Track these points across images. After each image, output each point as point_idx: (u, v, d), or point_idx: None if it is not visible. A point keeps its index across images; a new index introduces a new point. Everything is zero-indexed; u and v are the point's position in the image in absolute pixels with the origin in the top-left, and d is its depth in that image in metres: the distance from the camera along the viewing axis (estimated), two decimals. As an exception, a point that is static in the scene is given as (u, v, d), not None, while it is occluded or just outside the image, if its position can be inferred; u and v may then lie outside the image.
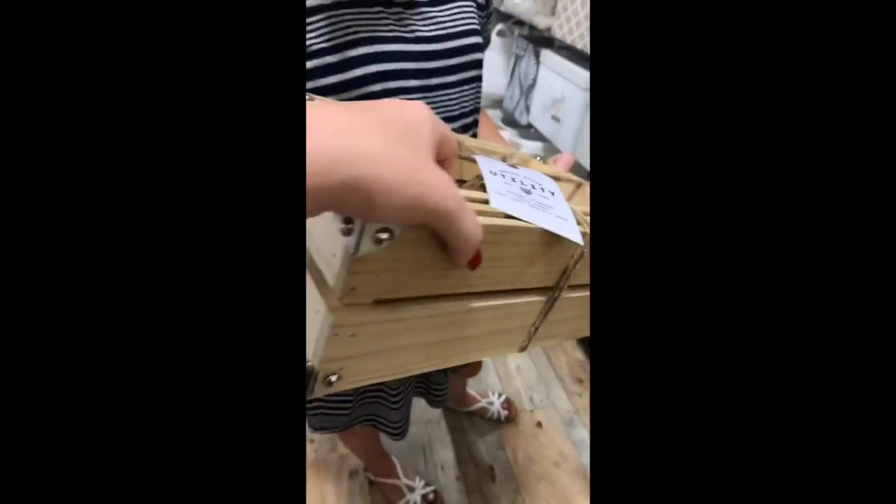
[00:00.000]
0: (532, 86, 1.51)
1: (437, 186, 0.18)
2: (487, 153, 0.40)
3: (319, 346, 0.21)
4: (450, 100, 0.49)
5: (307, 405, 0.72)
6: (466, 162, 0.35)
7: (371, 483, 1.04)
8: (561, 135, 1.36)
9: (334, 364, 0.22)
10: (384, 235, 0.18)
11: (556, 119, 1.38)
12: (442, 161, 0.22)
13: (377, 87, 0.44)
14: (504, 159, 0.34)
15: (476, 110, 0.55)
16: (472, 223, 0.20)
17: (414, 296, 0.23)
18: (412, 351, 0.25)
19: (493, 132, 0.64)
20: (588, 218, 0.30)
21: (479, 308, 0.27)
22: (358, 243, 0.18)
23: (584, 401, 1.27)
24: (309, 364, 0.21)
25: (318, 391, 0.22)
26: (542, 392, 1.29)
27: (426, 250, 0.21)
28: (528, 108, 1.57)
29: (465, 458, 1.11)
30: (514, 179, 0.29)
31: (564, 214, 0.28)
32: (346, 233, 0.18)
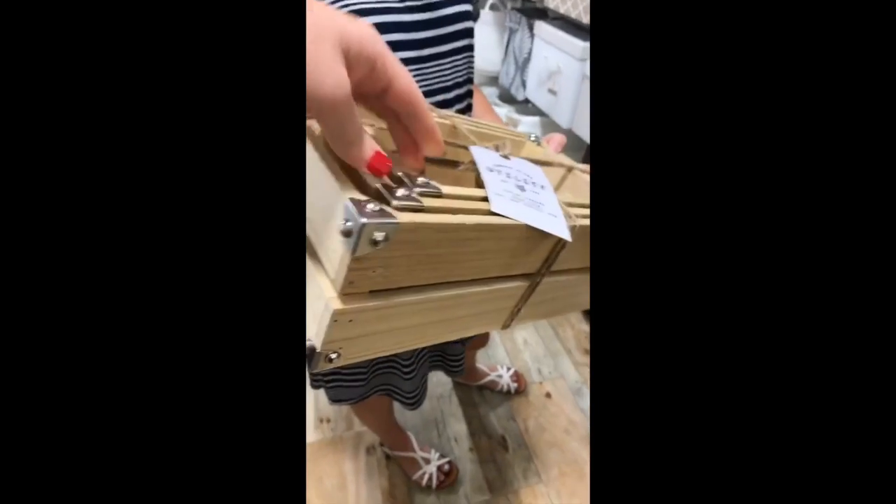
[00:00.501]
0: (527, 60, 1.50)
1: (320, 73, 0.18)
2: (481, 136, 0.41)
3: (321, 330, 0.23)
4: (443, 70, 0.50)
5: (324, 380, 0.74)
6: (461, 149, 0.37)
7: (388, 457, 1.07)
8: (558, 108, 1.36)
9: (334, 345, 0.24)
10: (380, 237, 0.20)
11: (552, 92, 1.37)
12: (382, 92, 0.23)
13: None
14: (497, 148, 0.35)
15: (469, 80, 0.55)
16: (352, 125, 0.20)
17: (406, 286, 0.26)
18: (404, 331, 0.28)
19: (487, 109, 0.64)
20: (572, 210, 0.32)
21: (465, 294, 0.29)
22: (356, 245, 0.20)
23: (592, 370, 1.29)
24: (311, 343, 0.24)
25: (320, 367, 0.24)
26: (550, 364, 1.31)
27: (417, 249, 0.23)
28: (524, 83, 1.55)
29: (478, 430, 1.14)
30: (508, 175, 0.31)
31: (554, 211, 0.30)
32: (346, 234, 0.20)
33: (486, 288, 0.31)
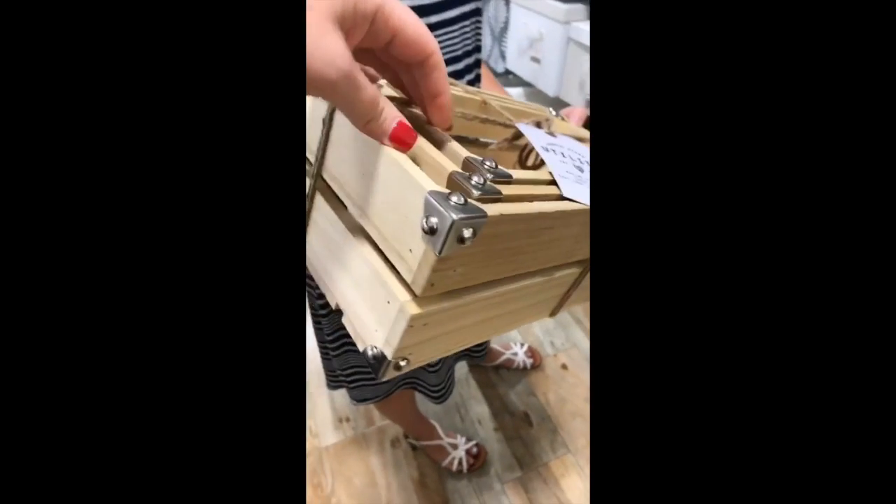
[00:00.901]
0: (504, 28, 1.45)
1: (308, 53, 0.17)
2: (512, 112, 0.39)
3: (394, 337, 0.21)
4: (452, 38, 0.47)
5: (347, 380, 0.72)
6: (491, 125, 0.35)
7: (414, 448, 1.06)
8: (543, 76, 1.32)
9: (405, 351, 0.22)
10: (468, 234, 0.18)
11: (535, 60, 1.33)
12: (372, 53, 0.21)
13: None
14: (538, 125, 0.33)
15: (478, 48, 0.52)
16: (360, 100, 0.19)
17: (480, 283, 0.24)
18: (469, 328, 0.27)
19: (493, 82, 0.62)
20: None
21: (529, 285, 0.28)
22: (444, 243, 0.18)
23: (603, 337, 1.30)
24: (378, 351, 0.22)
25: (388, 375, 0.23)
26: (562, 335, 1.31)
27: (497, 243, 0.21)
28: (503, 55, 1.51)
29: (500, 409, 1.14)
30: (563, 155, 0.29)
31: None
32: (431, 231, 0.18)
33: (547, 277, 0.30)
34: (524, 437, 1.08)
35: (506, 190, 0.21)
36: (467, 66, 0.50)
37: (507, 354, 1.20)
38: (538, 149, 0.27)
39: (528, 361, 1.21)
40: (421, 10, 0.43)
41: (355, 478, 1.01)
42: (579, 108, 0.48)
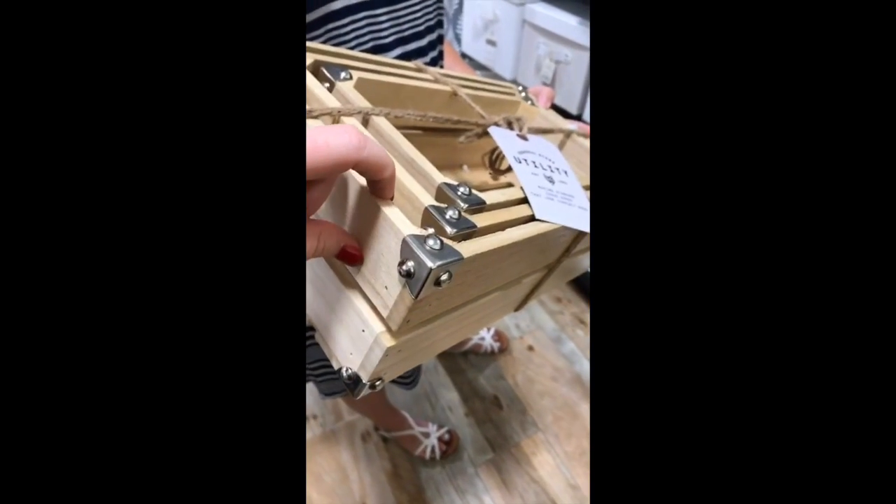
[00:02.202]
0: (459, 10, 1.42)
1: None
2: (482, 102, 0.38)
3: (370, 364, 0.22)
4: (415, 13, 0.45)
5: (314, 374, 0.69)
6: (463, 110, 0.34)
7: (385, 440, 1.04)
8: (499, 59, 1.31)
9: (380, 372, 0.23)
10: (445, 277, 0.18)
11: (491, 43, 1.32)
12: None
13: (339, 3, 0.38)
14: (510, 125, 0.33)
15: (440, 24, 0.50)
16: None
17: (452, 307, 0.25)
18: (440, 340, 0.28)
19: (456, 58, 0.60)
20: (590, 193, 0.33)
21: (496, 296, 0.30)
22: (421, 288, 0.18)
23: (566, 317, 1.34)
24: (353, 372, 0.23)
25: (364, 394, 0.23)
26: (527, 318, 1.33)
27: (471, 275, 0.22)
28: (458, 37, 1.48)
29: (469, 394, 1.14)
30: (536, 165, 0.29)
31: (583, 202, 0.30)
32: (407, 275, 0.18)
33: (515, 287, 0.31)
34: (495, 419, 1.10)
35: (484, 220, 0.22)
36: (430, 43, 0.48)
37: (475, 339, 1.20)
38: (510, 159, 0.28)
39: (496, 345, 1.22)
40: None
41: (326, 475, 0.99)
42: (547, 88, 0.48)
